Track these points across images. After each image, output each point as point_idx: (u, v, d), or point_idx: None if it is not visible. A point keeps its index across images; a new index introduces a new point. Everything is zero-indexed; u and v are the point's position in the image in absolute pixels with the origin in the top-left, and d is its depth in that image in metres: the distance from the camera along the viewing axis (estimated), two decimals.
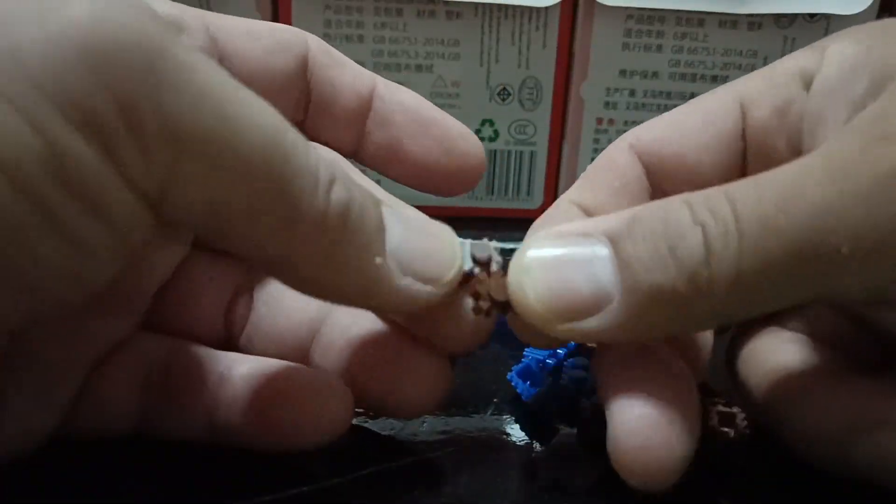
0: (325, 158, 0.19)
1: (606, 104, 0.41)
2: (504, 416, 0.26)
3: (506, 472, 0.24)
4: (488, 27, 0.39)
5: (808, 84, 0.23)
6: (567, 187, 0.42)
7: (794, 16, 0.39)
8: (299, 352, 0.24)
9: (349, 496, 0.22)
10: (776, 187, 0.19)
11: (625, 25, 0.39)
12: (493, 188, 0.42)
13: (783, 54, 0.40)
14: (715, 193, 0.19)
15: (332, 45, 0.39)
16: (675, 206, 0.19)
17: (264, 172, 0.17)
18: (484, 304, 0.21)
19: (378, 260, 0.19)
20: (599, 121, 0.41)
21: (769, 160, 0.23)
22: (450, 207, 0.43)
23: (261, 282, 0.25)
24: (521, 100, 0.41)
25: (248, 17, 0.38)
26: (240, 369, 0.23)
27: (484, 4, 0.39)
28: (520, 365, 0.27)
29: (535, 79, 0.40)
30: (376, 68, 0.40)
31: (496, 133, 0.41)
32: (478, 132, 0.41)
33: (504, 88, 0.41)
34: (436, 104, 0.41)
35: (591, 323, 0.20)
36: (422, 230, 0.21)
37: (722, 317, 0.20)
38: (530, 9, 0.39)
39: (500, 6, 0.39)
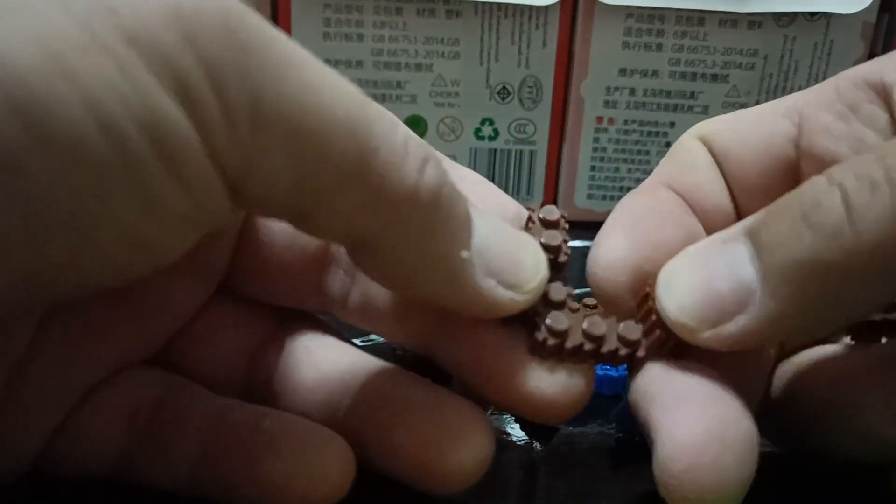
0: (417, 139, 0.18)
1: (606, 103, 0.41)
2: (504, 416, 0.26)
3: (506, 472, 0.24)
4: (488, 26, 0.39)
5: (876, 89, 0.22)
6: (567, 186, 0.43)
7: (795, 14, 0.39)
8: (328, 408, 0.22)
9: (349, 496, 0.22)
10: None
11: (625, 24, 0.39)
12: None
13: (783, 53, 0.40)
14: (858, 156, 0.18)
15: (332, 45, 0.39)
16: (811, 180, 0.18)
17: (350, 143, 0.16)
18: (551, 341, 0.20)
19: (464, 254, 0.18)
20: (599, 119, 0.41)
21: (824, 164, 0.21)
22: None
23: (293, 334, 0.23)
24: (521, 99, 0.41)
25: None
26: (234, 414, 0.21)
27: (484, 3, 0.38)
28: None
29: (535, 78, 0.40)
30: (376, 67, 0.40)
31: (496, 132, 0.41)
32: (478, 131, 0.41)
33: (504, 87, 0.40)
34: (436, 103, 0.41)
35: (737, 323, 0.19)
36: (507, 234, 0.20)
37: (888, 284, 0.18)
38: (530, 8, 0.39)
39: (499, 5, 0.39)
